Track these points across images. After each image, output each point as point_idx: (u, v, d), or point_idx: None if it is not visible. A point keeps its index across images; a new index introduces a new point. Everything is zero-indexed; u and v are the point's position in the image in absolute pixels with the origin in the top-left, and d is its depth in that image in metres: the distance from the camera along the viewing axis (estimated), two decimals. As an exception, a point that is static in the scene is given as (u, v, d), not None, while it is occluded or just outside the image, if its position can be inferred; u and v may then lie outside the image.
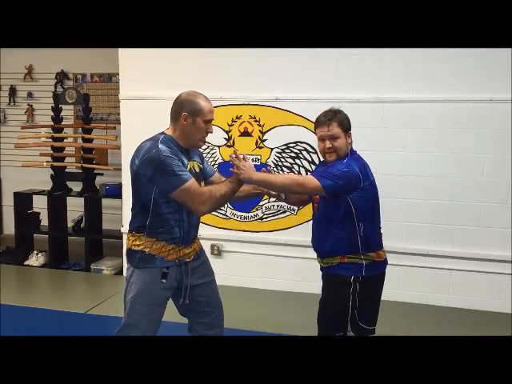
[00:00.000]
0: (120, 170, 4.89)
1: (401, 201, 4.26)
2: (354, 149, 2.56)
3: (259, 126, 4.55)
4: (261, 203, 4.61)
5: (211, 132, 2.44)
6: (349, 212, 2.42)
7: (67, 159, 5.39)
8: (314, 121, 2.60)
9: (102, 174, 5.43)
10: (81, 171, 5.33)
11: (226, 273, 4.42)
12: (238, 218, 4.69)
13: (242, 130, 4.59)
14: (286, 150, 4.52)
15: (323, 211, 2.51)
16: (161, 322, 2.49)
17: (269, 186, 2.52)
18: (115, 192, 5.08)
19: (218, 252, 4.70)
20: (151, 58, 4.56)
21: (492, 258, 4.15)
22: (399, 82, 4.20)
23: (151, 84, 4.66)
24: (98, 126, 5.49)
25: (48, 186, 5.40)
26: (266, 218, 4.63)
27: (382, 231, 2.60)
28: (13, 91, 6.34)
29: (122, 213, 4.93)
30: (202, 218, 2.54)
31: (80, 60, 5.84)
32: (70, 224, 5.42)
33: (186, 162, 2.38)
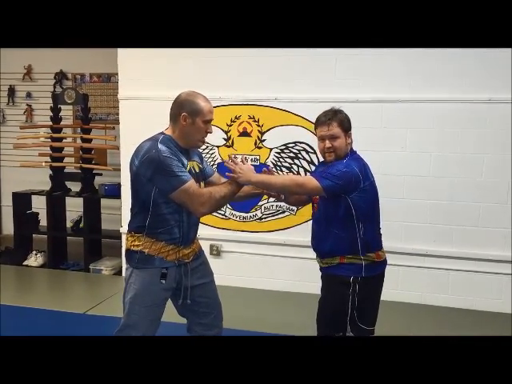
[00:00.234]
0: (119, 170, 4.89)
1: (400, 201, 4.26)
2: (354, 149, 2.56)
3: (258, 126, 4.55)
4: (260, 203, 4.61)
5: (211, 132, 2.44)
6: (348, 212, 2.42)
7: (66, 159, 5.39)
8: (313, 121, 2.61)
9: (101, 174, 5.43)
10: (80, 171, 5.33)
11: (224, 273, 4.42)
12: (237, 218, 4.69)
13: (241, 130, 4.59)
14: (285, 150, 4.52)
15: (323, 211, 2.51)
16: (160, 323, 2.49)
17: (268, 187, 2.52)
18: (114, 192, 5.07)
19: (216, 252, 4.70)
20: (150, 58, 4.56)
21: (491, 258, 4.16)
22: (399, 82, 4.20)
23: (150, 84, 4.66)
24: (97, 126, 5.49)
25: (47, 186, 5.39)
26: (265, 218, 4.63)
27: (381, 231, 2.60)
28: (12, 91, 6.33)
29: (121, 213, 4.93)
30: (201, 218, 2.54)
31: (79, 60, 5.83)
32: (68, 224, 5.42)
33: (185, 162, 2.38)
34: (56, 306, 4.17)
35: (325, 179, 2.36)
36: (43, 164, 5.30)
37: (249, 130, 4.57)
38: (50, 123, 5.32)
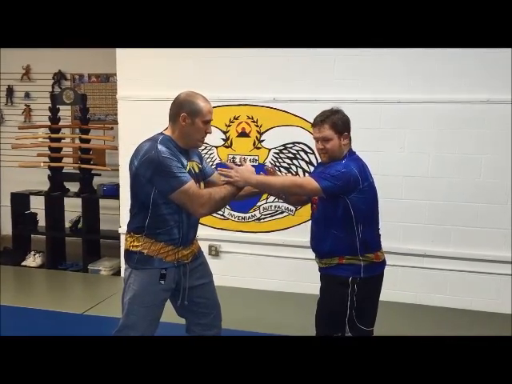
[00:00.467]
0: (117, 170, 4.88)
1: (398, 201, 4.26)
2: (354, 149, 2.56)
3: (257, 126, 4.55)
4: (258, 204, 4.61)
5: (210, 133, 2.43)
6: (347, 213, 2.42)
7: (65, 159, 5.38)
8: (311, 121, 2.60)
9: (100, 175, 5.42)
10: (78, 172, 5.32)
11: (223, 273, 4.41)
12: (236, 219, 4.69)
13: (239, 131, 4.59)
14: (284, 151, 4.52)
15: (322, 212, 2.51)
16: (159, 323, 2.49)
17: (267, 188, 2.52)
18: (113, 192, 5.07)
19: (215, 252, 4.70)
20: (149, 58, 4.56)
21: (489, 259, 4.16)
22: (397, 82, 4.20)
23: (149, 84, 4.66)
24: (96, 126, 5.49)
25: (45, 186, 5.39)
26: (263, 218, 4.63)
27: (380, 232, 2.60)
28: (10, 91, 6.32)
29: (119, 213, 4.93)
30: (200, 219, 2.54)
31: (77, 60, 5.83)
32: (67, 224, 5.41)
33: (185, 162, 2.37)
34: (54, 307, 4.16)
35: (323, 180, 2.36)
36: (42, 164, 5.30)
37: (247, 131, 4.57)
38: (49, 123, 5.31)
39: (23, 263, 5.28)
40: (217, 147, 4.64)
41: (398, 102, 4.20)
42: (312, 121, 2.55)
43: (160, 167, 2.26)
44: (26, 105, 6.30)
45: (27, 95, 6.28)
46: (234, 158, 4.59)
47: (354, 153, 2.55)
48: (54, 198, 5.30)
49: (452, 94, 4.09)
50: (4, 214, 6.32)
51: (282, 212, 4.59)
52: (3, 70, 6.16)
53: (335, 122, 2.45)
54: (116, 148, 4.94)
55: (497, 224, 4.13)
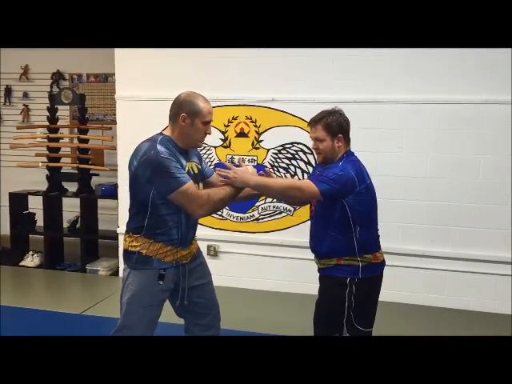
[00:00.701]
0: (116, 170, 4.88)
1: (397, 201, 4.26)
2: (352, 150, 2.55)
3: (255, 126, 4.55)
4: (257, 204, 4.61)
5: (210, 133, 2.43)
6: (344, 215, 2.41)
7: (63, 159, 5.37)
8: (310, 121, 2.61)
9: (98, 175, 5.42)
10: (76, 172, 5.31)
11: (222, 273, 4.41)
12: (234, 219, 4.69)
13: (238, 131, 4.59)
14: (283, 151, 4.52)
15: (320, 213, 2.51)
16: (157, 323, 2.49)
17: (266, 190, 2.51)
18: (111, 192, 5.07)
19: (214, 253, 4.70)
20: (147, 58, 4.56)
21: (488, 259, 4.16)
22: (396, 82, 4.20)
23: (147, 84, 4.66)
24: (94, 126, 5.48)
25: (43, 186, 5.38)
26: (262, 218, 4.63)
27: (379, 232, 2.60)
28: (8, 91, 6.31)
29: (117, 213, 4.93)
30: (198, 219, 2.54)
31: (76, 60, 5.82)
32: (65, 224, 5.40)
33: (184, 163, 2.37)
34: (52, 307, 4.16)
35: (322, 183, 2.35)
36: (40, 164, 5.29)
37: (246, 131, 4.57)
38: (47, 123, 5.30)
39: (21, 263, 5.27)
40: (215, 147, 4.63)
41: (396, 102, 4.20)
42: (310, 120, 2.56)
43: (159, 167, 2.25)
44: (24, 105, 6.29)
45: (25, 95, 6.28)
46: (232, 158, 4.59)
47: (353, 153, 2.54)
48: (52, 198, 5.29)
49: (451, 95, 4.10)
50: (2, 214, 6.29)
51: (281, 212, 4.59)
52: (1, 70, 6.15)
53: (329, 123, 2.44)
54: (114, 148, 4.94)
55: (495, 224, 4.14)
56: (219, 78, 4.51)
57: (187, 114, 2.33)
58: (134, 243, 2.39)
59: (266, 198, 4.50)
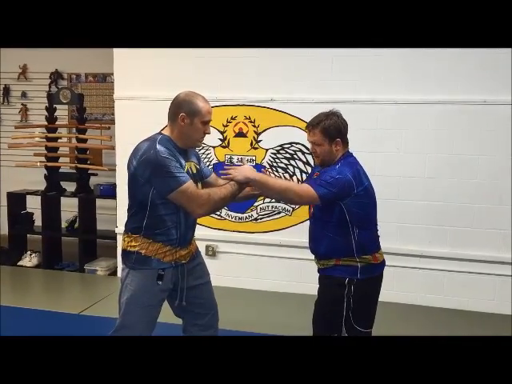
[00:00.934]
0: (114, 170, 4.88)
1: (395, 202, 4.26)
2: (351, 150, 2.55)
3: (254, 126, 4.55)
4: (255, 204, 4.61)
5: (209, 133, 2.43)
6: (342, 217, 2.41)
7: (61, 159, 5.37)
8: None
9: (97, 175, 5.42)
10: (75, 171, 5.31)
11: (220, 273, 4.41)
12: (233, 219, 4.69)
13: (236, 131, 4.59)
14: (281, 151, 4.52)
15: (318, 215, 2.51)
16: (156, 323, 2.48)
17: (265, 187, 2.50)
18: (109, 192, 5.07)
19: (212, 253, 4.70)
20: (146, 58, 4.55)
21: (485, 259, 4.17)
22: (395, 83, 4.21)
23: (146, 84, 4.66)
24: (93, 126, 5.48)
25: (42, 186, 5.38)
26: (260, 218, 4.63)
27: (378, 233, 2.60)
28: (7, 91, 6.31)
29: (116, 213, 4.92)
30: (197, 219, 2.54)
31: (74, 60, 5.82)
32: (63, 224, 5.39)
33: (183, 162, 2.37)
34: (51, 307, 4.15)
35: (320, 187, 2.35)
36: (38, 164, 5.29)
37: (245, 131, 4.57)
38: (45, 123, 5.30)
39: (19, 263, 5.26)
40: (214, 147, 4.63)
41: (395, 102, 4.20)
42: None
43: (159, 167, 2.25)
44: (22, 104, 6.28)
45: (24, 95, 6.27)
46: (231, 158, 4.59)
47: (351, 154, 2.53)
48: (51, 198, 5.29)
49: (450, 95, 4.10)
50: (0, 214, 6.30)
51: (279, 212, 4.59)
52: (0, 70, 6.14)
53: (326, 127, 2.43)
54: (113, 148, 4.94)
55: (493, 225, 4.14)
56: (218, 78, 4.51)
57: (186, 114, 2.33)
58: (133, 243, 2.39)
59: (264, 199, 4.50)
